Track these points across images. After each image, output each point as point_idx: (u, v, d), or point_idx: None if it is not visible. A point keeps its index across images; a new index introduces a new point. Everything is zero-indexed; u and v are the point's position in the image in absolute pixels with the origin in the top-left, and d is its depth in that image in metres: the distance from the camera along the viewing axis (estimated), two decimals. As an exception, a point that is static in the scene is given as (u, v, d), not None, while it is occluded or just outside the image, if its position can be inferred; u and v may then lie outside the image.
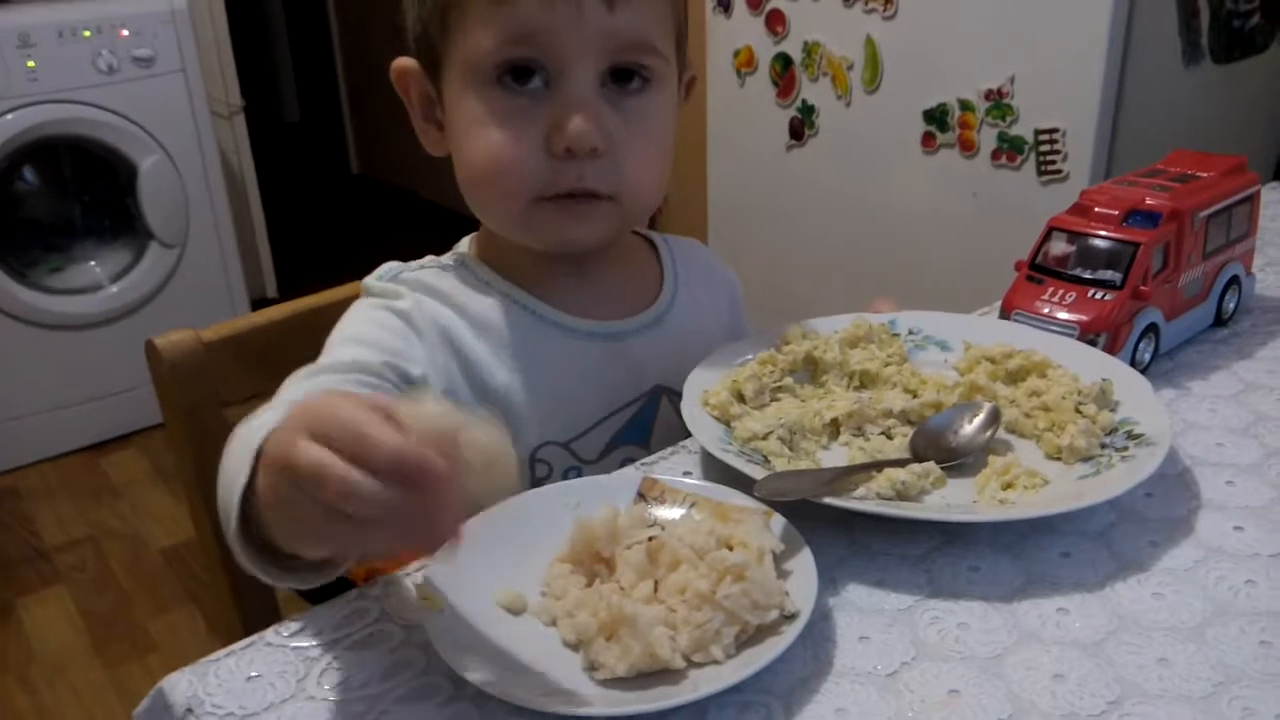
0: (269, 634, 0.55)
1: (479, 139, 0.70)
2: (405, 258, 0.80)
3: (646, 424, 0.79)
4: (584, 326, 0.77)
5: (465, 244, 0.81)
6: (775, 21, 2.01)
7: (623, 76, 0.70)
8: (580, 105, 0.67)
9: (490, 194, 0.72)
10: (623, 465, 0.71)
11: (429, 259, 0.79)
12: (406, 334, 0.71)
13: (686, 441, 0.72)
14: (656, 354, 0.78)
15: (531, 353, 0.74)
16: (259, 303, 2.76)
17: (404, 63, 0.75)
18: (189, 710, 0.51)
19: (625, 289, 0.80)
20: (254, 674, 0.53)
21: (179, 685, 0.52)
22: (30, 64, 2.22)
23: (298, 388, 0.66)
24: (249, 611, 0.88)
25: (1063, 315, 0.77)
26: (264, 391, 0.83)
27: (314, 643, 0.54)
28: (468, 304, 0.75)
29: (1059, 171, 1.66)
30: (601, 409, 0.77)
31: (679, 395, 0.76)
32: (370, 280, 0.76)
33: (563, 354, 0.75)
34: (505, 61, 0.67)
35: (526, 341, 0.75)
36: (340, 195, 4.15)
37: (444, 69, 0.72)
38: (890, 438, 0.69)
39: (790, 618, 0.51)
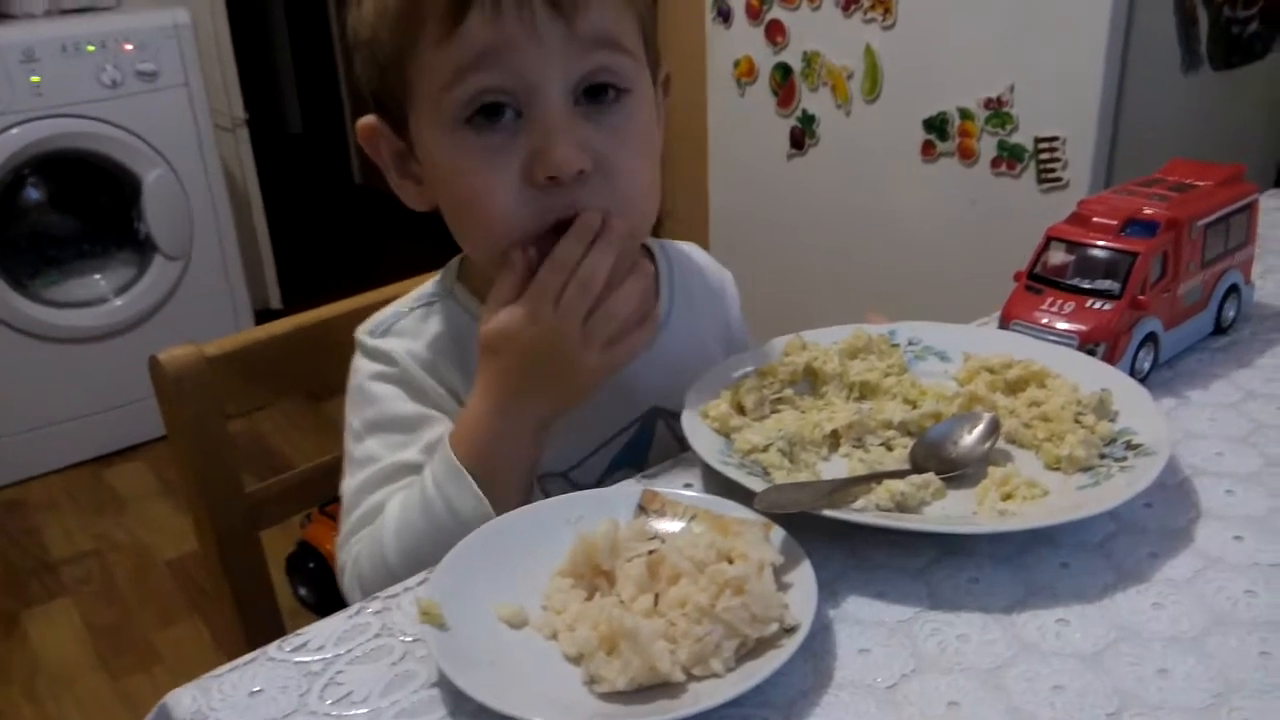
0: (271, 649, 0.56)
1: (458, 186, 0.67)
2: (408, 269, 0.81)
3: (643, 447, 0.78)
4: None
5: (452, 270, 0.79)
6: (775, 31, 2.01)
7: (596, 92, 0.67)
8: (556, 128, 0.64)
9: (482, 241, 0.69)
10: None
11: (414, 296, 0.77)
12: (417, 389, 0.73)
13: (686, 454, 0.72)
14: (652, 375, 0.77)
15: None
16: (263, 314, 2.77)
17: (369, 122, 0.72)
18: (192, 726, 0.51)
19: None
20: (256, 689, 0.53)
21: (182, 700, 0.52)
22: (35, 79, 2.24)
23: (394, 498, 0.70)
24: (252, 623, 0.89)
25: (1062, 325, 0.77)
26: (266, 405, 0.84)
27: (316, 657, 0.55)
28: (458, 346, 0.74)
29: (1059, 180, 1.67)
30: (598, 437, 0.76)
31: (675, 416, 0.76)
32: (363, 336, 0.76)
33: None
34: (471, 97, 0.64)
35: None
36: (343, 206, 4.16)
37: (410, 119, 0.69)
38: (890, 449, 0.69)
39: (790, 630, 0.51)
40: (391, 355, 0.74)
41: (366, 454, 0.73)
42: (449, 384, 0.74)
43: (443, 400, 0.73)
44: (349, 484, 0.74)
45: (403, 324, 0.76)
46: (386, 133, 0.72)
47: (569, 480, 0.75)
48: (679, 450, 0.77)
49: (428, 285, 0.79)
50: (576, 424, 0.74)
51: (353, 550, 0.72)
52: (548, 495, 0.63)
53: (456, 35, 0.63)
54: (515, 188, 0.65)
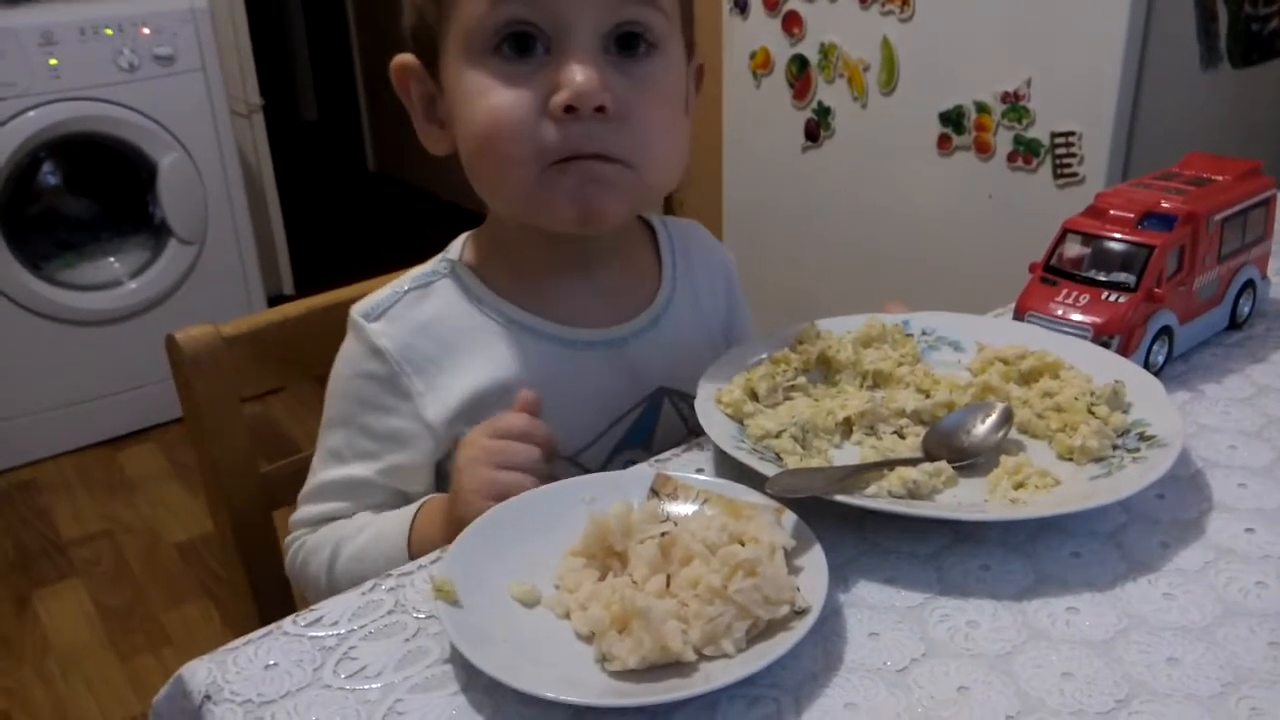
0: (286, 624, 0.56)
1: (479, 108, 0.67)
2: (421, 257, 0.80)
3: (649, 427, 0.78)
4: (583, 336, 0.75)
5: (458, 246, 0.79)
6: (792, 23, 2.01)
7: (628, 43, 0.67)
8: (582, 60, 0.65)
9: (496, 166, 0.68)
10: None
11: (412, 276, 0.77)
12: (393, 405, 0.73)
13: (698, 440, 0.72)
14: (657, 355, 0.77)
15: (531, 372, 0.73)
16: (276, 300, 2.78)
17: (403, 59, 0.73)
18: (207, 697, 0.52)
19: (625, 285, 0.79)
20: (271, 662, 0.53)
21: (198, 673, 0.53)
22: (52, 62, 2.24)
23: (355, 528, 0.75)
24: (265, 603, 0.89)
25: (1076, 317, 0.77)
26: (282, 387, 0.84)
27: (330, 632, 0.55)
28: (459, 328, 0.74)
29: (1075, 175, 1.66)
30: (605, 418, 0.76)
31: (681, 396, 0.76)
32: (357, 317, 0.75)
33: (563, 369, 0.74)
34: (503, 25, 0.65)
35: (525, 361, 0.73)
36: (357, 194, 4.16)
37: (441, 55, 0.70)
38: (903, 437, 0.70)
39: (801, 613, 0.52)
40: (382, 352, 0.73)
41: (334, 448, 0.76)
42: (432, 377, 0.73)
43: (424, 404, 0.72)
44: (315, 469, 0.78)
45: (398, 308, 0.74)
46: (419, 72, 0.73)
47: (577, 463, 0.75)
48: (685, 431, 0.77)
49: (429, 263, 0.78)
50: (584, 407, 0.74)
51: (304, 542, 0.77)
52: (556, 479, 0.63)
53: None
54: (534, 111, 0.65)
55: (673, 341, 0.78)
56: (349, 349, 0.76)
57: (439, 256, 0.79)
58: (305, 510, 0.78)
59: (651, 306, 0.79)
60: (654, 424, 0.78)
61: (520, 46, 0.66)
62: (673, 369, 0.77)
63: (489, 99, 0.66)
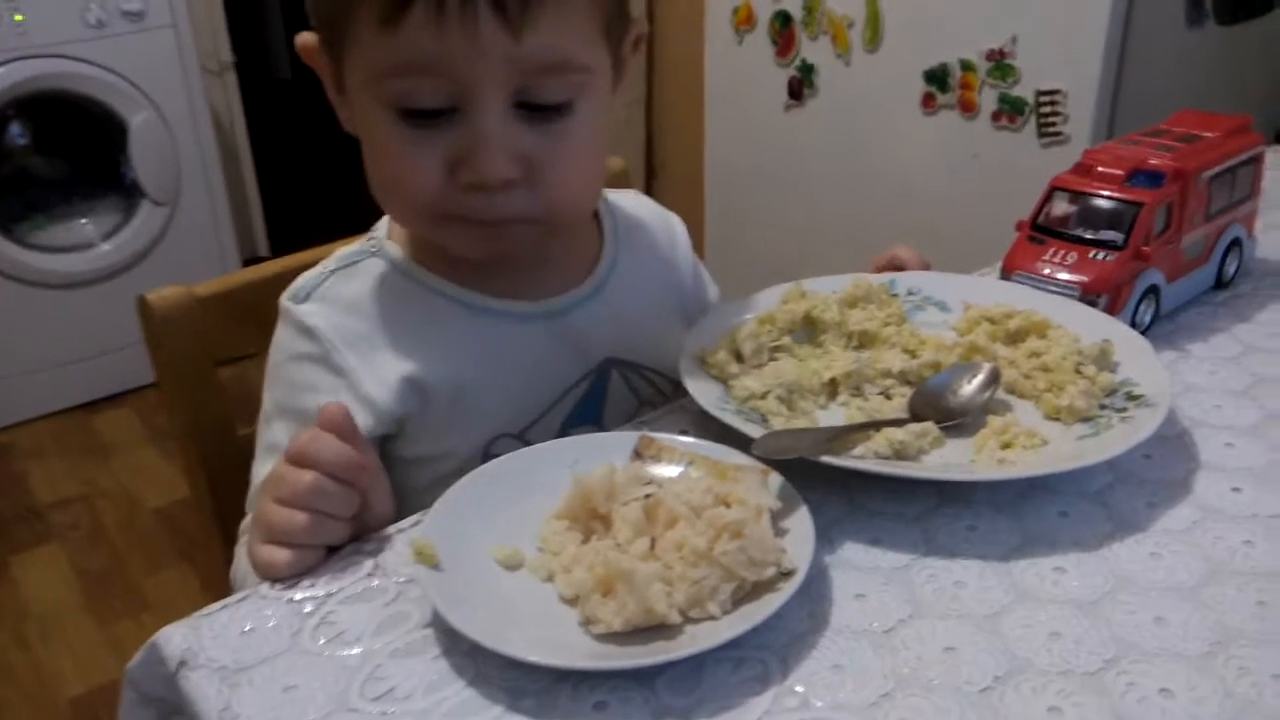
0: (263, 588, 0.55)
1: (383, 164, 0.65)
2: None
3: (598, 401, 0.75)
4: (520, 309, 0.72)
5: (384, 225, 0.76)
6: (775, -21, 1.98)
7: (538, 105, 0.62)
8: (488, 137, 0.61)
9: (398, 209, 0.68)
10: None
11: (342, 253, 0.74)
12: (329, 383, 0.68)
13: (684, 400, 0.71)
14: (601, 326, 0.75)
15: (468, 347, 0.70)
16: (251, 262, 2.73)
17: (308, 39, 0.68)
18: (183, 663, 0.51)
19: (563, 257, 0.75)
20: (248, 627, 0.52)
21: (173, 638, 0.52)
22: (18, 17, 2.18)
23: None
24: (243, 568, 0.88)
25: (1063, 276, 0.76)
26: (256, 349, 0.82)
27: (308, 595, 0.54)
28: (390, 306, 0.70)
29: (1059, 134, 1.65)
30: (551, 393, 0.73)
31: (629, 366, 0.74)
32: (285, 302, 0.71)
33: (502, 343, 0.71)
34: (404, 94, 0.61)
35: (462, 336, 0.71)
36: (332, 154, 4.10)
37: (345, 67, 0.65)
38: (889, 398, 0.69)
39: (787, 575, 0.51)
40: (313, 331, 0.69)
41: (273, 442, 0.71)
42: (365, 353, 0.69)
43: (359, 379, 0.68)
44: (256, 470, 0.72)
45: (325, 287, 0.71)
46: (324, 60, 0.67)
47: (524, 441, 0.71)
48: (635, 403, 0.76)
49: (355, 244, 0.75)
50: (526, 381, 0.72)
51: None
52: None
53: (396, 29, 0.58)
54: (440, 180, 0.63)
55: (618, 311, 0.76)
56: (279, 336, 0.72)
57: (365, 236, 0.76)
58: (251, 508, 0.71)
59: (592, 276, 0.76)
60: (603, 397, 0.76)
61: (424, 113, 0.61)
62: (619, 340, 0.75)
63: (394, 161, 0.64)
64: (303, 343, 0.70)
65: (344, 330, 0.69)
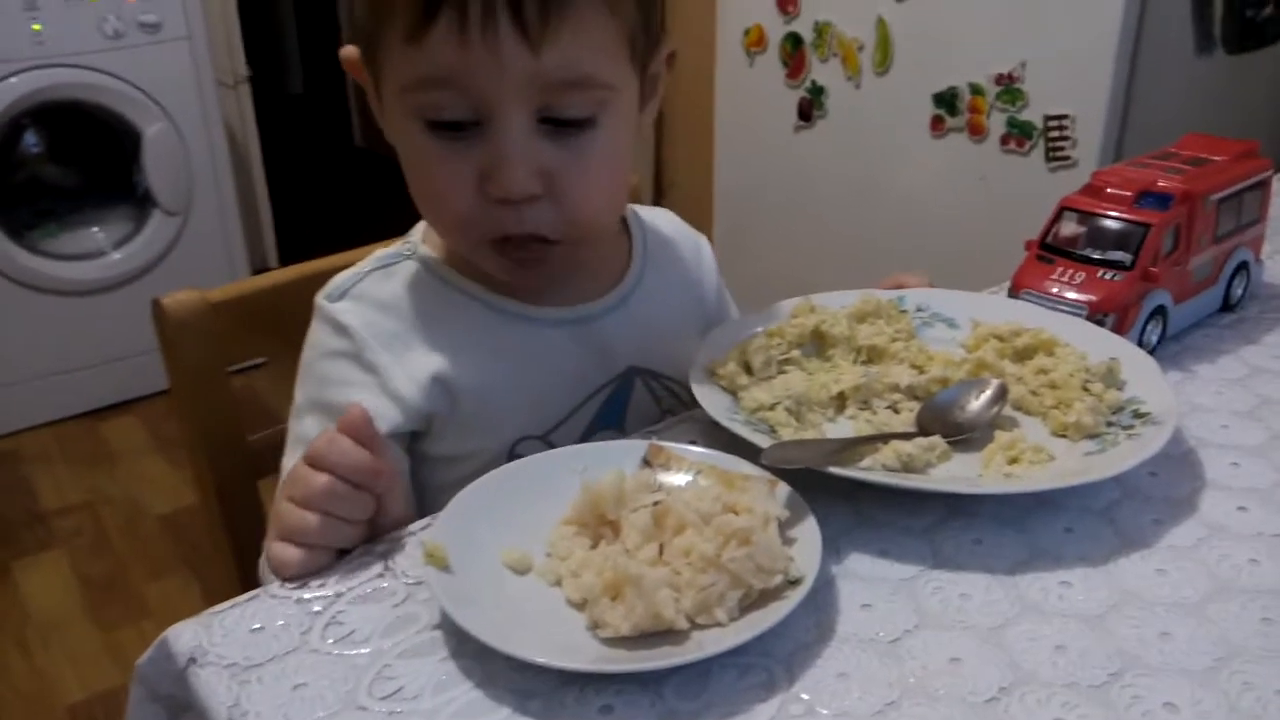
0: (273, 587, 0.56)
1: (419, 178, 0.67)
2: (406, 232, 0.79)
3: (620, 407, 0.77)
4: (549, 315, 0.74)
5: (420, 230, 0.77)
6: (786, 0, 2.00)
7: (562, 121, 0.64)
8: (510, 152, 0.62)
9: (435, 219, 0.71)
10: None
11: (379, 255, 0.76)
12: (360, 379, 0.70)
13: (690, 413, 0.72)
14: (626, 334, 0.76)
15: (497, 349, 0.72)
16: (260, 272, 2.74)
17: (350, 52, 0.70)
18: (192, 660, 0.51)
19: (593, 266, 0.76)
20: (257, 626, 0.53)
21: (183, 635, 0.52)
22: (36, 27, 2.21)
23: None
24: (250, 575, 0.88)
25: (1071, 295, 0.77)
26: (268, 356, 0.83)
27: (317, 595, 0.55)
28: (423, 307, 0.72)
29: (1067, 158, 1.66)
30: (575, 397, 0.74)
31: (653, 375, 0.75)
32: (321, 301, 0.73)
33: (530, 346, 0.73)
34: (429, 108, 0.63)
35: (491, 338, 0.72)
36: (343, 168, 4.13)
37: (381, 81, 0.67)
38: (897, 412, 0.69)
39: (794, 583, 0.51)
40: (346, 328, 0.71)
41: (303, 435, 0.72)
42: (397, 351, 0.71)
43: (390, 376, 0.70)
44: (285, 463, 0.73)
45: (361, 286, 0.73)
46: (364, 72, 0.69)
47: (547, 443, 0.73)
48: (656, 410, 0.77)
49: (392, 246, 0.77)
50: (552, 385, 0.73)
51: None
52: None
53: (421, 44, 0.60)
54: (471, 194, 0.65)
55: (643, 321, 0.77)
56: (314, 333, 0.74)
57: (401, 240, 0.78)
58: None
59: (620, 285, 0.78)
60: (626, 404, 0.77)
61: (452, 124, 0.63)
62: (643, 349, 0.76)
63: (425, 167, 0.66)
64: (336, 339, 0.71)
65: (377, 328, 0.71)
